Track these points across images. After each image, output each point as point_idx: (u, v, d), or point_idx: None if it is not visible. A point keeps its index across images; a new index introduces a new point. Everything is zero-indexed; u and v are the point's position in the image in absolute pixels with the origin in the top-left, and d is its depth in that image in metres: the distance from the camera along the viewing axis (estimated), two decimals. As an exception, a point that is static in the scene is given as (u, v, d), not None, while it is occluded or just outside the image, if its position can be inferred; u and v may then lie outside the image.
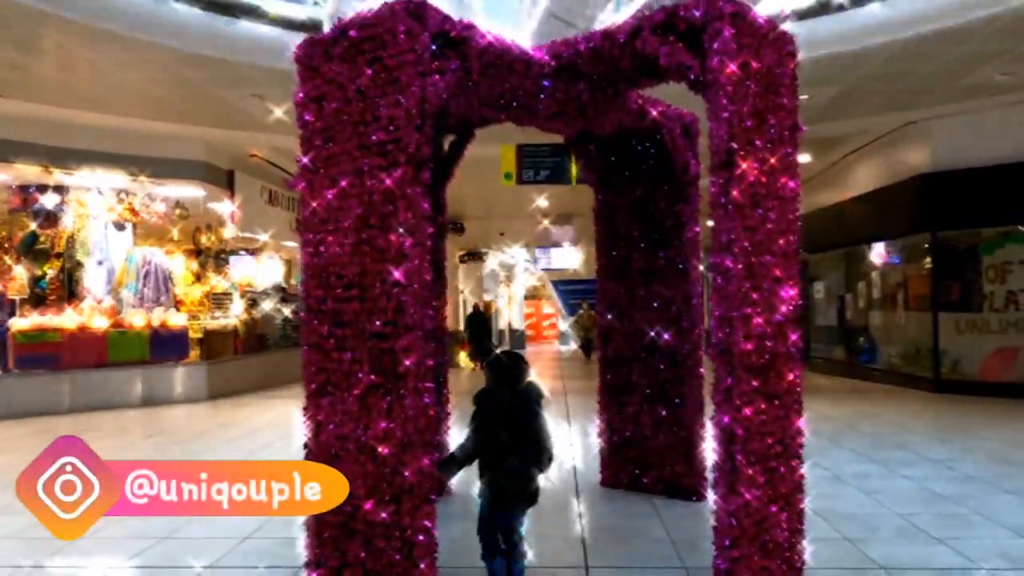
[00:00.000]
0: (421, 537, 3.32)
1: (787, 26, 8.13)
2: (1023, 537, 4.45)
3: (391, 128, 3.35)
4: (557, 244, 24.28)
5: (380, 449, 3.35)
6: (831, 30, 8.27)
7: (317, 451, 3.63)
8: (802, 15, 8.28)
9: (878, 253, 13.56)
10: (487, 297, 29.86)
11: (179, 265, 14.62)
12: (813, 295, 16.96)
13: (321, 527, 3.58)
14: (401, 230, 3.34)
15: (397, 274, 3.31)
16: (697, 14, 3.47)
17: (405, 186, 3.33)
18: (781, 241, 3.71)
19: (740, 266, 3.45)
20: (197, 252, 14.91)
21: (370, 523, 3.38)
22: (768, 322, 3.59)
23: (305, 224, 3.76)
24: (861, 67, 8.96)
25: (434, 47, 3.50)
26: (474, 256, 26.66)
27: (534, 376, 3.64)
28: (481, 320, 19.93)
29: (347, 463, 3.46)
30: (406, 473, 3.31)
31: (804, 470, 3.93)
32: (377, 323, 3.39)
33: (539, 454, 3.41)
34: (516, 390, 3.51)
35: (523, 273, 32.03)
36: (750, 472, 3.41)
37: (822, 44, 8.36)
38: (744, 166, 3.44)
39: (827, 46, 8.39)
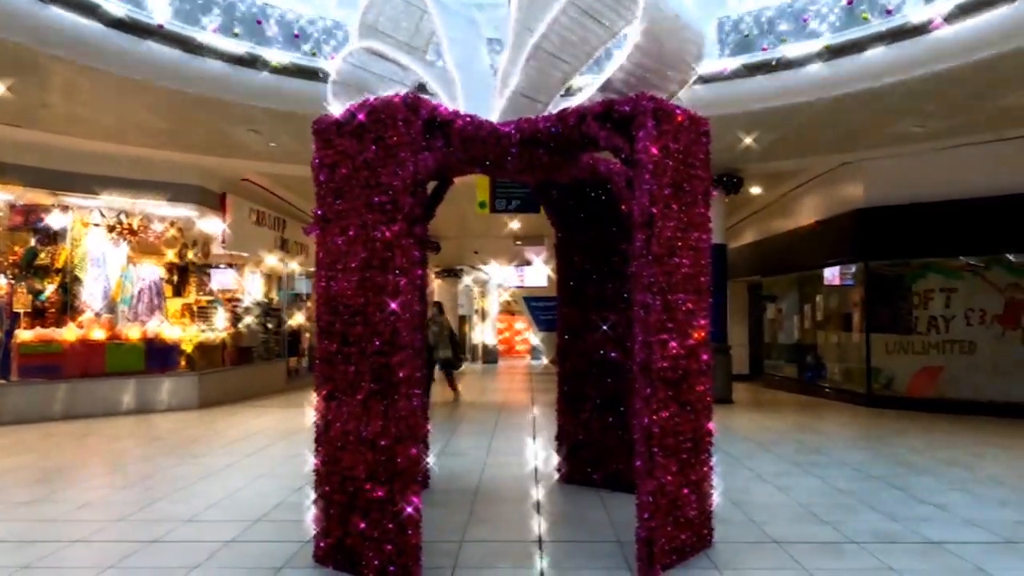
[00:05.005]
0: (410, 510, 4.26)
1: (736, 82, 9.33)
2: (893, 521, 5.50)
3: (390, 193, 4.33)
4: (529, 262, 25.29)
5: (378, 442, 4.30)
6: (773, 87, 9.44)
7: (326, 444, 4.57)
8: (750, 72, 9.46)
9: (826, 276, 14.74)
10: (461, 312, 30.85)
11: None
12: (766, 315, 18.20)
13: (329, 505, 4.53)
14: (397, 271, 4.31)
15: (394, 305, 4.28)
16: (627, 109, 4.49)
17: (401, 238, 4.31)
18: (694, 282, 4.75)
19: (658, 302, 4.46)
20: (181, 267, 15.66)
21: (369, 500, 4.32)
22: (682, 345, 4.62)
23: (319, 263, 4.71)
24: (798, 117, 10.14)
25: (424, 129, 4.50)
26: (450, 273, 27.66)
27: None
28: (454, 339, 22.21)
29: (350, 453, 4.42)
30: (399, 460, 4.25)
31: (713, 462, 4.98)
32: (377, 343, 4.35)
33: None
34: None
35: (496, 290, 33.07)
36: (663, 461, 4.42)
37: (766, 98, 9.57)
38: (661, 225, 4.47)
39: (770, 100, 9.60)
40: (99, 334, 11.91)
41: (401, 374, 4.28)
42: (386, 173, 4.35)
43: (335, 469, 4.49)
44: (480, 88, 5.56)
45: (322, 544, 4.57)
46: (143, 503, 6.11)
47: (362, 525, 4.34)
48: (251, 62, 9.09)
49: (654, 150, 4.42)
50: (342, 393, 4.49)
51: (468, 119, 4.83)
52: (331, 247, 4.61)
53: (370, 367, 4.36)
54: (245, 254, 15.20)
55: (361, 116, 4.46)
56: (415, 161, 4.35)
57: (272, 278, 18.68)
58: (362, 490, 4.35)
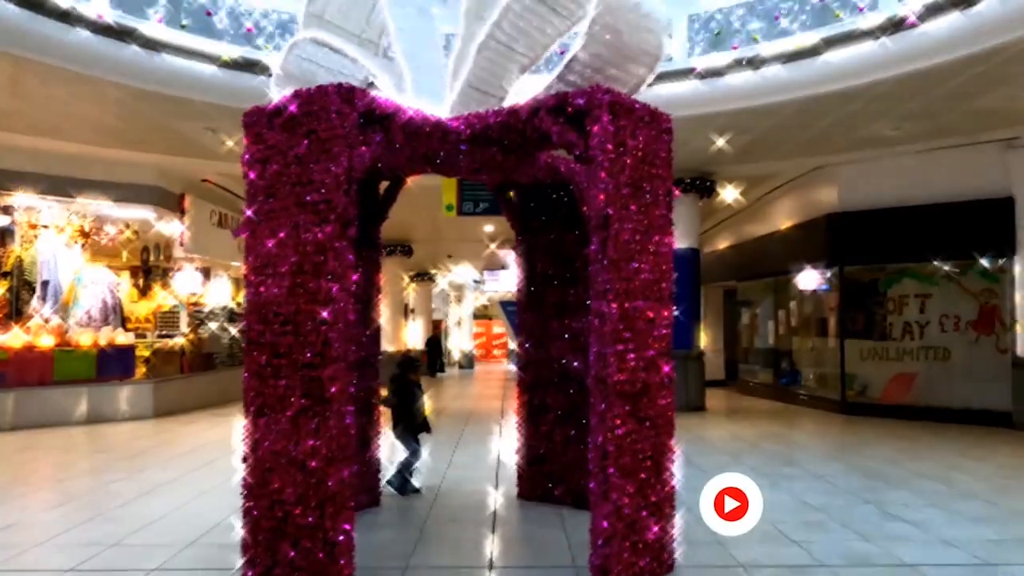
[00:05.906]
0: (341, 538, 3.90)
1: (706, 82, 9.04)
2: (866, 540, 5.21)
3: (323, 191, 3.97)
4: (504, 266, 24.92)
5: (308, 463, 3.93)
6: (744, 86, 9.18)
7: (254, 465, 4.19)
8: (718, 72, 9.21)
9: (799, 282, 14.50)
10: (436, 316, 30.45)
11: (124, 282, 14.84)
12: (741, 321, 18.00)
13: (256, 531, 4.14)
14: (330, 277, 3.95)
15: (325, 314, 3.92)
16: (581, 102, 4.18)
17: (334, 240, 3.95)
18: (654, 289, 4.43)
19: (615, 310, 4.13)
20: (144, 270, 15.13)
21: (298, 526, 3.96)
22: (640, 357, 4.30)
23: (248, 267, 4.33)
24: (770, 118, 9.90)
25: (362, 122, 4.15)
26: (423, 277, 27.24)
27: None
28: (436, 344, 25.71)
29: (279, 475, 4.04)
30: (330, 483, 3.89)
31: (676, 481, 4.66)
32: (308, 355, 3.98)
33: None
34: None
35: (472, 294, 32.67)
36: (619, 482, 4.09)
37: (738, 98, 9.31)
38: (619, 227, 4.14)
39: (742, 100, 9.33)
40: (47, 340, 11.37)
41: (333, 389, 3.92)
42: (319, 169, 4.00)
43: (263, 492, 4.11)
44: (432, 82, 5.21)
45: (249, 574, 4.19)
46: (71, 524, 5.68)
47: (291, 553, 3.97)
48: (205, 57, 8.69)
49: (610, 146, 4.11)
50: (271, 409, 4.12)
51: (411, 112, 4.49)
52: (261, 250, 4.24)
53: (300, 381, 4.00)
54: (206, 257, 14.69)
55: (292, 107, 4.11)
56: (350, 156, 4.00)
57: (240, 282, 18.17)
58: (291, 515, 3.98)
